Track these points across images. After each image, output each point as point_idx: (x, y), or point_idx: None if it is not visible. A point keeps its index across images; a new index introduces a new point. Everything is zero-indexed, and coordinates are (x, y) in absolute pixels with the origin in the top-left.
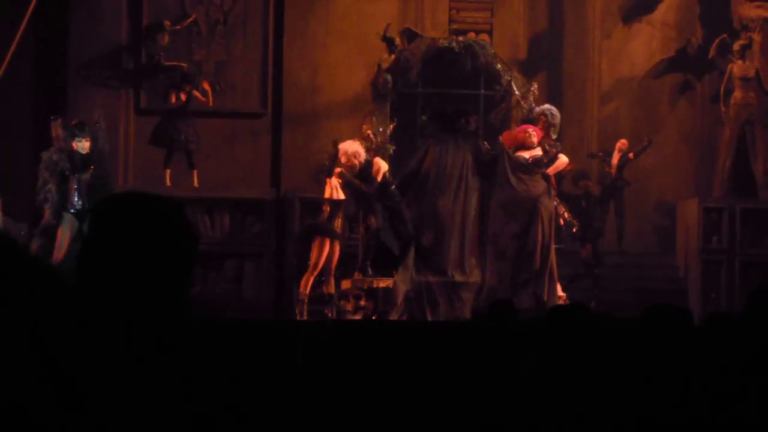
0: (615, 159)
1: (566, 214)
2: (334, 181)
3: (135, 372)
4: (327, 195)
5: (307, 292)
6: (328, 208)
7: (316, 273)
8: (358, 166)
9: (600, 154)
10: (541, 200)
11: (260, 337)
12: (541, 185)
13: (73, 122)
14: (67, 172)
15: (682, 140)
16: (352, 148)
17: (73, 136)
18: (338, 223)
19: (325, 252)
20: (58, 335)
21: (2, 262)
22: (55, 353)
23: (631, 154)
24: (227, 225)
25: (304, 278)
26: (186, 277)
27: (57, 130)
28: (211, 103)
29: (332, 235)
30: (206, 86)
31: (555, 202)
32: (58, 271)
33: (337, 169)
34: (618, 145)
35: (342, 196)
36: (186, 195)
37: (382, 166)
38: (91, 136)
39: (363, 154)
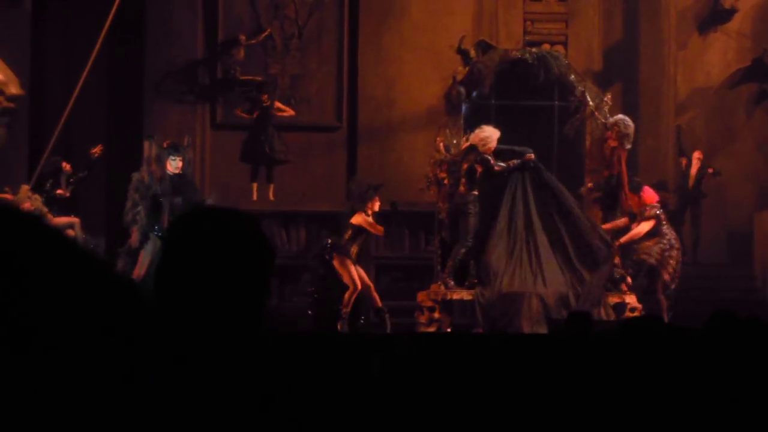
0: (694, 169)
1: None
2: (368, 218)
3: (213, 386)
4: (357, 222)
5: (348, 309)
6: (351, 233)
7: (357, 291)
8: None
9: (683, 161)
10: None
11: (336, 349)
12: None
13: (166, 143)
14: (159, 197)
15: (759, 150)
16: (485, 132)
17: (167, 156)
18: (354, 250)
19: (353, 269)
20: (135, 349)
21: (84, 276)
22: (132, 368)
23: (710, 169)
24: (303, 238)
25: (347, 295)
26: (263, 291)
27: (152, 149)
28: (293, 112)
29: (349, 256)
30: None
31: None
32: (138, 286)
33: (492, 159)
34: (694, 156)
35: (366, 228)
36: (263, 209)
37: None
38: (183, 156)
39: (494, 135)
